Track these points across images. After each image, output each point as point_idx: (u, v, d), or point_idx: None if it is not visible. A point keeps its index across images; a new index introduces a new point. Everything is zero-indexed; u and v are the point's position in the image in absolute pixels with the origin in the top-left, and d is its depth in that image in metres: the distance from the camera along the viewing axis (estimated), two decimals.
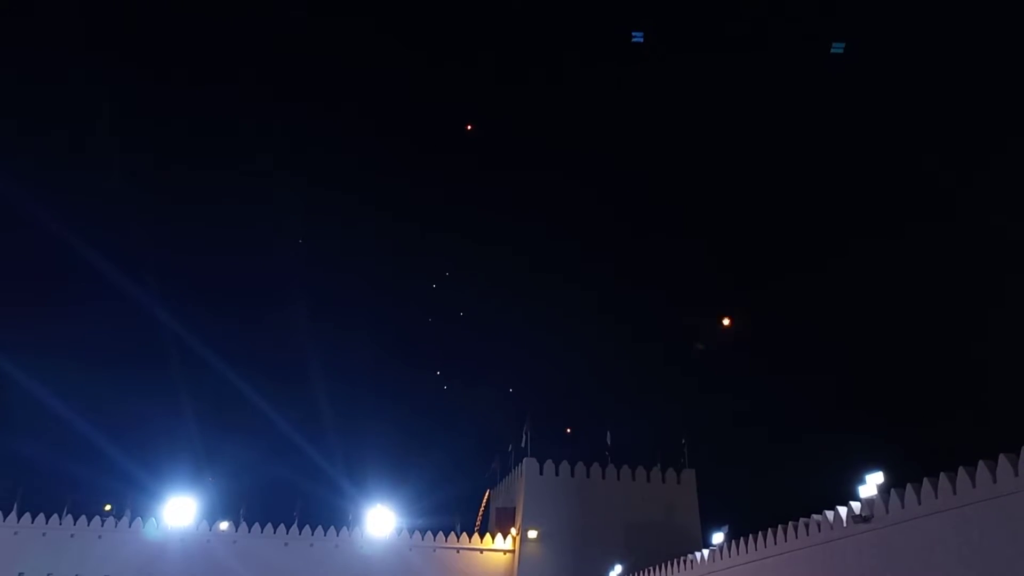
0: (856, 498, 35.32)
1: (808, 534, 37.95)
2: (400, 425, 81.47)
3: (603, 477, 58.16)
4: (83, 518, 53.23)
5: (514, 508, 58.44)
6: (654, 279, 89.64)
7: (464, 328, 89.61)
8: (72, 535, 52.59)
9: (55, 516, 52.83)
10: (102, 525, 53.25)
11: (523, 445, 59.79)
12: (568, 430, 71.70)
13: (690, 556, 48.29)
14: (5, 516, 52.16)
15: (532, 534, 55.68)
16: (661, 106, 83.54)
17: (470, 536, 57.14)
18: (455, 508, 60.38)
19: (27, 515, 52.46)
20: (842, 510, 36.00)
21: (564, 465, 58.21)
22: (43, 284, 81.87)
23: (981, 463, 28.46)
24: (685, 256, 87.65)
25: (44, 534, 52.24)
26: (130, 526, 53.48)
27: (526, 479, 57.60)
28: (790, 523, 39.72)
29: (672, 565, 48.82)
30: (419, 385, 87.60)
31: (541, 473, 57.78)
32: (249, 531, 54.82)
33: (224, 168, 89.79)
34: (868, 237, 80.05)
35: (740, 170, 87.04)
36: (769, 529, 41.46)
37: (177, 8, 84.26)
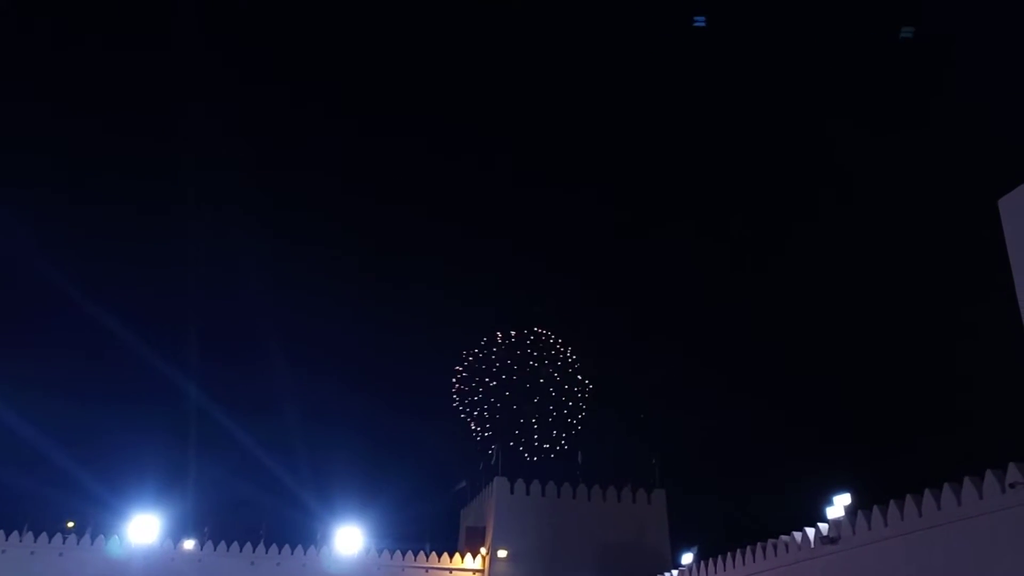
0: (824, 519, 35.66)
1: (776, 555, 38.22)
2: (369, 443, 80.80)
3: (574, 497, 58.08)
4: (44, 535, 52.05)
5: (484, 527, 58.17)
6: (626, 296, 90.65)
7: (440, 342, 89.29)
8: (32, 552, 51.44)
9: (15, 533, 51.62)
10: (63, 542, 52.11)
11: (494, 464, 59.64)
12: (535, 457, 71.11)
13: None
14: None
15: (502, 554, 55.41)
16: None
17: (439, 556, 56.74)
18: (425, 528, 60.01)
19: None
20: (810, 531, 36.31)
21: (535, 484, 58.08)
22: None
23: (946, 486, 28.90)
24: (668, 270, 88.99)
25: (3, 551, 51.01)
26: (92, 544, 52.43)
27: (496, 498, 57.38)
28: (758, 544, 39.98)
29: None
30: (388, 404, 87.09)
31: (512, 492, 57.59)
32: (215, 549, 53.98)
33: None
34: (838, 265, 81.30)
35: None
36: (738, 550, 41.70)
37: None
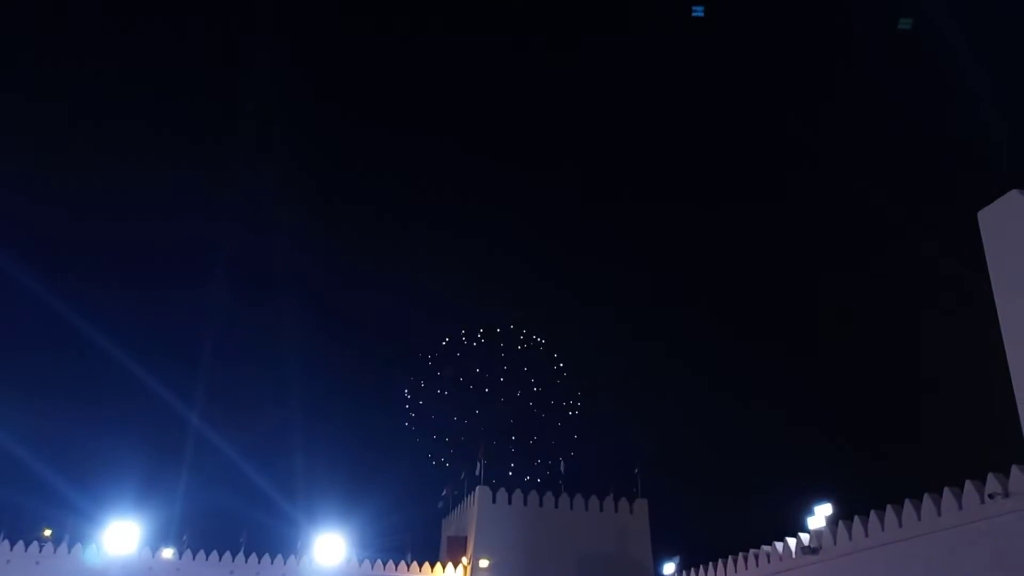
0: (805, 529, 35.70)
1: (758, 565, 38.21)
2: (351, 451, 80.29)
3: (556, 506, 57.91)
4: (20, 543, 51.35)
5: (466, 537, 57.87)
6: (611, 300, 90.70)
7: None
8: (8, 561, 50.64)
9: None
10: (40, 551, 51.40)
11: (476, 473, 59.34)
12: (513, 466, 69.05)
13: None
14: None
15: (483, 564, 55.12)
16: None
17: (420, 565, 56.37)
18: (407, 537, 59.54)
19: None
20: (791, 541, 36.32)
21: (517, 494, 57.87)
22: None
23: (926, 497, 28.96)
24: (647, 285, 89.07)
25: None
26: (69, 552, 51.73)
27: (478, 507, 57.14)
28: (740, 554, 39.97)
29: None
30: (372, 410, 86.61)
31: (494, 502, 57.34)
32: (193, 558, 53.32)
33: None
34: (822, 269, 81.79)
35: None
36: (720, 560, 41.67)
37: None
